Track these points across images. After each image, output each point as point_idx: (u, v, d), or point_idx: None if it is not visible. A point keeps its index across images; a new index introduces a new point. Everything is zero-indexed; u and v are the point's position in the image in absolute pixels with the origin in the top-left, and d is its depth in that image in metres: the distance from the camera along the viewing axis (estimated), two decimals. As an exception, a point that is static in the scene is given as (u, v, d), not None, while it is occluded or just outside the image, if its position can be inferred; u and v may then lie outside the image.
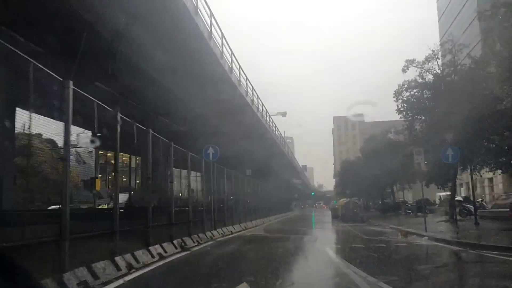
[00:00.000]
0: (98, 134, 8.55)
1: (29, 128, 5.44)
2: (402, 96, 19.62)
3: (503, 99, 11.48)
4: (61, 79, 5.64)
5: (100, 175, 13.93)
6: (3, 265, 1.25)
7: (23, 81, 5.50)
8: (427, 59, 19.84)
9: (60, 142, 7.97)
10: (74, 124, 8.43)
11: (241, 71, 23.98)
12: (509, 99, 11.12)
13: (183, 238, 11.57)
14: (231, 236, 16.78)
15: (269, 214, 34.29)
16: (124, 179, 17.08)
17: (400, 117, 20.31)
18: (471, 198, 27.65)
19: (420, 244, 12.79)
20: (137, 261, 7.77)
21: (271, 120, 36.76)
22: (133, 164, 18.99)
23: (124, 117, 7.46)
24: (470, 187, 37.91)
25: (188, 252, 10.79)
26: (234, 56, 22.28)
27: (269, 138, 34.93)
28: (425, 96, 19.34)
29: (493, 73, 13.50)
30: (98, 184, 7.65)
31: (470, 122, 14.00)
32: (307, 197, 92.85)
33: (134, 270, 7.39)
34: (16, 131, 6.70)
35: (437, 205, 33.85)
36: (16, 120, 7.03)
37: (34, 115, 5.89)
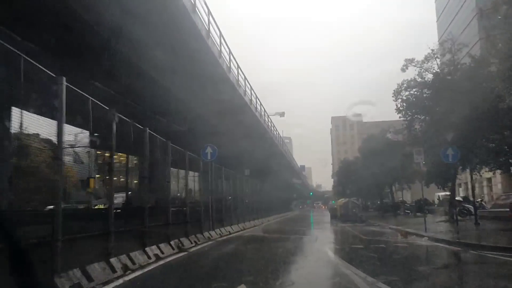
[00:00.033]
0: (96, 134, 8.44)
1: (21, 126, 5.29)
2: (402, 96, 19.53)
3: (505, 98, 11.36)
4: (54, 75, 5.48)
5: (98, 175, 13.82)
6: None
7: (20, 80, 5.36)
8: (427, 58, 19.77)
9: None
10: (72, 124, 8.32)
11: (239, 70, 23.87)
12: (511, 97, 10.99)
13: (181, 239, 11.41)
14: (229, 236, 16.64)
15: (268, 214, 34.16)
16: (122, 179, 16.92)
17: (400, 117, 20.21)
18: (470, 198, 27.66)
19: (421, 244, 12.67)
20: (133, 263, 7.61)
21: (269, 120, 36.70)
22: (132, 164, 18.84)
23: (121, 116, 7.30)
24: (469, 187, 38.01)
25: (185, 253, 10.64)
26: (232, 55, 22.18)
27: (268, 138, 34.83)
28: (424, 95, 19.23)
29: (494, 72, 13.38)
30: (92, 183, 7.47)
31: (470, 121, 13.89)
32: (305, 197, 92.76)
33: (129, 271, 7.23)
34: (13, 131, 6.56)
35: (436, 205, 33.79)
36: (13, 120, 6.87)
37: (32, 115, 5.82)
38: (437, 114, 16.74)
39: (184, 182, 13.78)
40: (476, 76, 14.89)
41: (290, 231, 20.57)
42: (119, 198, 11.64)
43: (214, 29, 18.55)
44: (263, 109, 32.78)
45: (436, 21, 60.92)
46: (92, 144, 8.88)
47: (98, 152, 11.95)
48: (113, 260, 6.98)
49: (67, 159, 8.23)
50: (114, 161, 7.54)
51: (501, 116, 13.12)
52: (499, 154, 16.21)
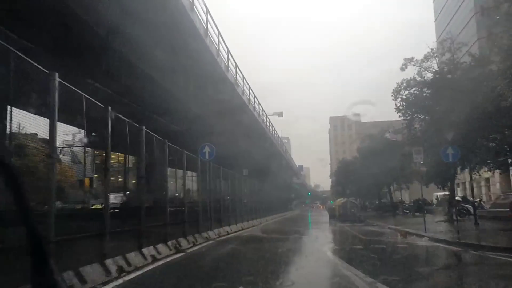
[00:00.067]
0: (93, 133, 8.28)
1: (8, 122, 5.13)
2: (401, 95, 19.41)
3: (507, 96, 11.23)
4: (46, 71, 5.31)
5: (96, 175, 13.70)
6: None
7: (17, 79, 5.24)
8: (426, 58, 19.68)
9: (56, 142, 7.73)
10: (71, 123, 8.17)
11: (237, 69, 23.75)
12: (514, 96, 10.87)
13: (178, 239, 11.24)
14: (227, 236, 16.48)
15: (266, 214, 34.03)
16: (121, 179, 16.77)
17: (399, 116, 20.11)
18: (468, 198, 27.59)
19: (421, 245, 12.54)
20: (129, 264, 7.43)
21: (268, 119, 36.60)
22: (130, 164, 18.67)
23: (116, 114, 7.14)
24: (467, 186, 38.01)
25: (183, 253, 10.47)
26: (231, 54, 22.06)
27: (266, 138, 34.73)
28: (424, 94, 19.12)
29: (495, 71, 13.26)
30: (89, 183, 7.30)
31: (470, 120, 13.77)
32: (304, 197, 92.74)
33: (125, 273, 7.06)
34: (12, 131, 6.45)
35: (434, 205, 33.70)
36: (9, 119, 6.74)
37: (30, 114, 5.71)
38: (437, 113, 16.63)
39: (182, 182, 13.61)
40: (478, 75, 14.76)
41: (289, 231, 20.43)
42: (117, 198, 11.49)
43: (212, 27, 18.44)
44: (261, 109, 32.70)
45: (434, 21, 60.92)
46: (90, 144, 8.74)
47: (96, 152, 11.82)
48: (108, 261, 6.81)
49: (66, 158, 8.14)
50: (113, 161, 7.42)
51: (502, 115, 12.99)
52: (499, 153, 16.10)
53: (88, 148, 9.66)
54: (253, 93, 28.72)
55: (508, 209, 16.65)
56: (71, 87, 5.83)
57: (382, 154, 27.88)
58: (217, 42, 19.37)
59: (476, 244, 11.25)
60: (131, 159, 12.14)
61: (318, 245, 13.91)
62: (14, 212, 1.32)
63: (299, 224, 29.66)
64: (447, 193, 23.04)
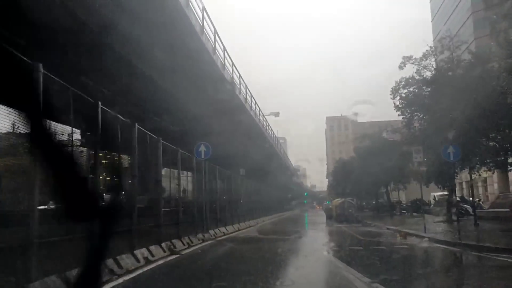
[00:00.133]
0: (88, 133, 7.97)
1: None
2: (400, 93, 19.18)
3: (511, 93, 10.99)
4: (30, 61, 4.96)
5: (91, 175, 13.40)
6: None
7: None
8: (425, 56, 19.48)
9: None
10: (66, 123, 7.85)
11: (234, 68, 23.43)
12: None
13: (173, 241, 10.89)
14: (224, 237, 16.17)
15: (263, 214, 33.75)
16: (116, 179, 16.41)
17: (398, 114, 19.91)
18: (466, 198, 27.44)
19: (422, 246, 12.27)
20: (120, 267, 7.09)
21: (264, 119, 36.33)
22: (126, 164, 18.33)
23: (106, 108, 6.79)
24: (464, 187, 37.92)
25: (177, 255, 10.13)
26: (227, 52, 21.73)
27: (263, 138, 34.45)
28: (424, 93, 18.91)
29: (497, 68, 13.04)
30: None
31: (471, 119, 13.53)
32: (301, 197, 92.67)
33: (116, 276, 6.72)
34: (3, 131, 6.18)
35: (432, 205, 33.53)
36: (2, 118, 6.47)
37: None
38: (437, 111, 16.39)
39: (176, 182, 13.28)
40: (478, 73, 14.53)
41: (286, 232, 20.16)
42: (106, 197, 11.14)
43: (208, 25, 18.12)
44: (258, 108, 32.39)
45: (431, 21, 60.89)
46: (85, 143, 8.43)
47: (91, 152, 11.51)
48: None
49: None
50: (108, 161, 7.12)
51: (503, 114, 12.75)
52: (499, 153, 15.88)
53: (83, 148, 9.37)
54: (249, 92, 28.45)
55: (508, 209, 16.47)
56: (57, 79, 5.49)
57: (379, 153, 27.67)
58: (213, 40, 19.05)
59: (478, 245, 11.00)
60: (126, 158, 11.83)
61: (316, 246, 13.63)
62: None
63: (296, 224, 29.42)
64: (444, 193, 22.85)
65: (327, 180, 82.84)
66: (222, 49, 20.98)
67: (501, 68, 12.15)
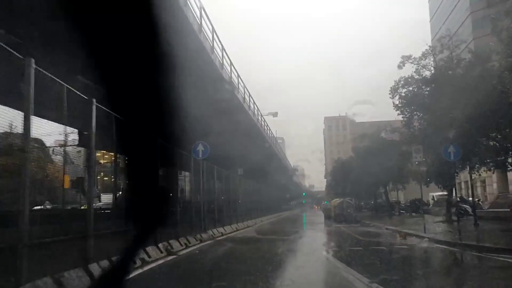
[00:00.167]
0: (85, 132, 7.81)
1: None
2: (399, 92, 19.06)
3: (514, 92, 10.86)
4: (21, 57, 4.81)
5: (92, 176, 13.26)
6: None
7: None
8: (424, 55, 19.36)
9: (48, 142, 7.30)
10: (61, 122, 7.70)
11: (232, 67, 23.27)
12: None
13: (170, 241, 10.72)
14: (222, 238, 16.02)
15: (261, 214, 33.62)
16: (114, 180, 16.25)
17: (398, 114, 19.79)
18: (465, 198, 27.35)
19: (422, 246, 12.13)
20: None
21: (263, 119, 36.18)
22: (122, 164, 18.14)
23: (100, 106, 6.62)
24: (463, 187, 37.83)
25: (174, 256, 9.98)
26: (225, 52, 21.57)
27: (261, 137, 34.30)
28: (423, 92, 18.79)
29: (497, 67, 12.92)
30: (67, 181, 6.83)
31: (472, 118, 13.40)
32: (299, 197, 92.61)
33: (111, 278, 6.55)
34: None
35: (430, 205, 33.42)
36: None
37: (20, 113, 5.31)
38: (437, 111, 16.27)
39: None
40: (479, 72, 14.40)
41: (284, 232, 20.03)
42: (108, 198, 11.00)
43: (206, 23, 17.97)
44: (256, 108, 32.24)
45: (430, 21, 60.86)
46: (81, 143, 8.27)
47: (88, 151, 11.35)
48: (92, 266, 6.30)
49: (60, 159, 7.71)
50: (106, 161, 6.97)
51: (504, 113, 12.63)
52: (499, 153, 15.76)
53: (80, 148, 9.22)
54: (248, 91, 28.30)
55: (508, 209, 16.36)
56: (50, 75, 5.33)
57: (378, 153, 27.54)
58: (211, 39, 18.90)
59: (479, 245, 10.87)
60: (124, 158, 11.65)
61: (316, 247, 13.50)
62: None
63: (295, 225, 29.29)
64: (444, 193, 22.74)
65: (325, 180, 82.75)
66: (221, 48, 20.84)
67: (501, 67, 12.03)
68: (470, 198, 23.22)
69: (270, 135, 41.41)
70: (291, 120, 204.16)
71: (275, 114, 50.25)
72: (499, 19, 13.19)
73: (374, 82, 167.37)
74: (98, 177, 14.85)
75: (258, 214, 31.87)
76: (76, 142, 8.44)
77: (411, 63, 19.75)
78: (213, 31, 19.16)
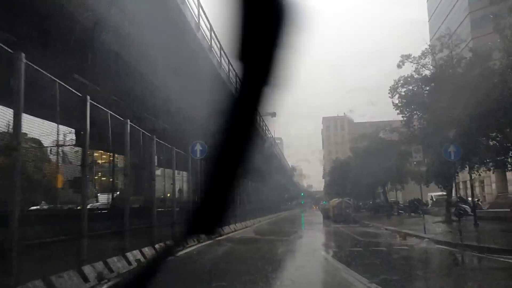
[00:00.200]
0: (82, 132, 7.67)
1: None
2: (399, 92, 18.92)
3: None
4: (11, 51, 4.64)
5: (87, 175, 13.11)
6: None
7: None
8: (424, 54, 19.24)
9: (46, 142, 7.16)
10: (57, 122, 7.55)
11: (230, 66, 23.08)
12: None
13: (166, 242, 10.54)
14: (219, 238, 15.80)
15: (259, 215, 33.45)
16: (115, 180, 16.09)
17: (398, 113, 19.66)
18: (464, 198, 27.24)
19: (423, 247, 11.97)
20: (111, 270, 6.76)
21: (261, 119, 36.00)
22: (120, 164, 17.97)
23: (95, 103, 6.46)
24: (461, 187, 37.73)
25: (171, 257, 9.77)
26: (223, 50, 21.38)
27: (260, 138, 34.16)
28: (423, 91, 18.66)
29: (498, 65, 12.79)
30: (60, 181, 6.65)
31: (473, 117, 13.26)
32: (297, 197, 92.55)
33: (105, 280, 6.38)
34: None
35: (429, 206, 33.31)
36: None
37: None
38: (437, 110, 16.14)
39: (170, 181, 12.94)
40: (479, 70, 14.26)
41: (283, 233, 19.89)
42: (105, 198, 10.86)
43: (204, 21, 17.80)
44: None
45: (428, 21, 60.84)
46: (78, 142, 8.12)
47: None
48: (86, 268, 6.13)
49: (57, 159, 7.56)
50: (104, 161, 6.82)
51: (505, 112, 12.48)
52: (499, 152, 15.64)
53: (77, 148, 9.06)
54: (246, 91, 28.11)
55: (508, 209, 16.24)
56: (42, 71, 5.15)
57: (377, 153, 27.43)
58: (209, 37, 18.74)
59: (480, 246, 10.72)
60: (122, 159, 11.52)
61: (315, 247, 13.36)
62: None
63: (293, 225, 29.16)
64: (443, 193, 22.61)
65: (323, 180, 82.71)
66: (219, 47, 20.68)
67: (502, 65, 11.89)
68: (470, 198, 23.12)
69: (269, 135, 41.32)
70: (292, 120, 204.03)
71: (273, 115, 49.75)
72: (502, 17, 13.05)
73: (374, 82, 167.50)
74: (96, 177, 14.71)
75: (256, 215, 31.71)
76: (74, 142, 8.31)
77: (411, 62, 19.63)
78: (211, 29, 19.02)
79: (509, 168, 16.85)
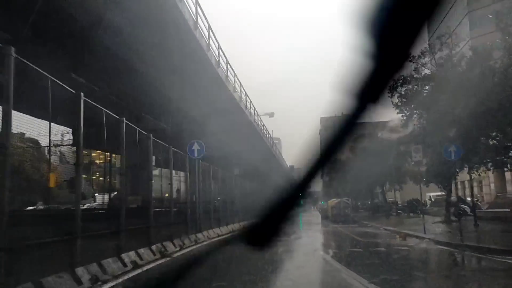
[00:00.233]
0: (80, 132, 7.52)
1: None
2: (398, 91, 18.75)
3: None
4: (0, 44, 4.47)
5: (84, 175, 12.96)
6: None
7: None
8: (423, 53, 19.03)
9: (43, 142, 7.02)
10: (56, 122, 7.42)
11: (228, 66, 22.94)
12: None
13: (164, 243, 10.37)
14: (218, 239, 15.67)
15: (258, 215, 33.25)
16: (113, 180, 15.93)
17: (397, 113, 19.46)
18: (463, 198, 27.13)
19: (423, 247, 11.83)
20: (105, 272, 6.58)
21: (259, 119, 35.89)
22: (118, 164, 17.79)
23: (89, 101, 6.28)
24: (459, 187, 37.63)
25: (168, 258, 9.62)
26: (221, 50, 21.26)
27: (258, 138, 34.04)
28: (423, 90, 18.51)
29: (500, 64, 12.65)
30: (53, 180, 6.47)
31: (473, 116, 13.12)
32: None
33: (100, 282, 6.21)
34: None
35: (428, 206, 33.19)
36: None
37: (18, 113, 5.11)
38: (438, 109, 15.97)
39: (168, 181, 12.77)
40: (480, 69, 14.12)
41: (282, 233, 19.65)
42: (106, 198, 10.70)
43: (202, 20, 17.65)
44: (253, 107, 31.94)
45: (427, 21, 60.80)
46: (74, 142, 7.96)
47: (85, 152, 11.04)
48: (79, 270, 5.96)
49: (55, 159, 7.42)
50: (102, 161, 6.68)
51: (506, 112, 12.34)
52: (499, 152, 15.50)
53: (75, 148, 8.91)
54: (244, 91, 28.00)
55: (508, 209, 16.13)
56: (35, 67, 4.98)
57: (376, 153, 27.27)
58: (207, 36, 18.57)
59: (480, 246, 10.59)
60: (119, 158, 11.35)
61: (314, 247, 13.24)
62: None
63: (291, 225, 28.89)
64: (442, 193, 22.48)
65: (322, 180, 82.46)
66: (217, 46, 20.53)
67: (504, 64, 11.74)
68: (468, 198, 23.01)
69: (267, 135, 41.17)
70: (291, 120, 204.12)
71: (271, 115, 50.04)
72: (505, 14, 12.89)
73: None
74: (94, 177, 14.55)
75: (255, 215, 31.53)
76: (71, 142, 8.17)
77: (410, 61, 19.43)
78: (209, 28, 18.85)
79: (509, 168, 16.73)
